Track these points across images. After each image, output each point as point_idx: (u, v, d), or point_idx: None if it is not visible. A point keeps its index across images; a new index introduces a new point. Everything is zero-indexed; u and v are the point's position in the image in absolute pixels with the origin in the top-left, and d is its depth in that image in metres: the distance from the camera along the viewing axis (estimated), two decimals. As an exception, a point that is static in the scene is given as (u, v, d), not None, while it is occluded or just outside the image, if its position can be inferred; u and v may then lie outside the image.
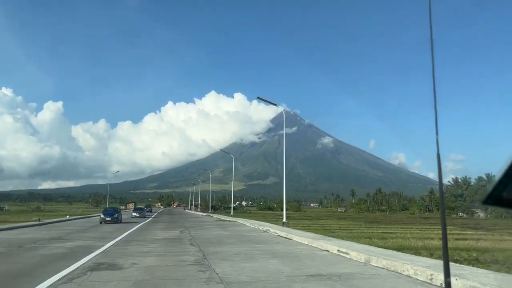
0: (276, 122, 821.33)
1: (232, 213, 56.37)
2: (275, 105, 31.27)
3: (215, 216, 55.12)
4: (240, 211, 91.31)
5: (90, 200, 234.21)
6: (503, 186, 1.21)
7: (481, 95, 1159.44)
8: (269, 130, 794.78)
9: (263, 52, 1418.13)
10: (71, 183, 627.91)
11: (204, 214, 66.77)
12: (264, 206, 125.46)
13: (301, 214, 78.92)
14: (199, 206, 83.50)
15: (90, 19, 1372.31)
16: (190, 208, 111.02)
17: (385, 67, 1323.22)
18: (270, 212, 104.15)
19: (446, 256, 3.34)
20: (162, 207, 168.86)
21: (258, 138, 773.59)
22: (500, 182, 1.22)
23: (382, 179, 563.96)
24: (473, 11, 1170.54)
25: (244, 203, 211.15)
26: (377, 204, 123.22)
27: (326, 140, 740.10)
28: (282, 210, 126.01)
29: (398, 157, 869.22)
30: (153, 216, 54.67)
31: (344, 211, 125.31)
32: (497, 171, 1.21)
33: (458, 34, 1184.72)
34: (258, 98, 32.14)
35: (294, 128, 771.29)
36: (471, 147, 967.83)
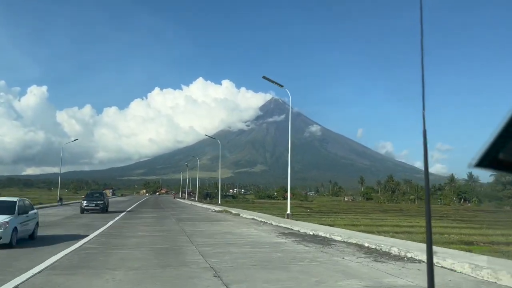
0: (265, 110, 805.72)
1: (290, 212, 24.69)
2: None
3: (244, 215, 27.95)
4: (241, 200, 75.57)
5: (71, 186, 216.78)
6: (501, 145, 1.03)
7: (470, 82, 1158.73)
8: (258, 118, 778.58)
9: (251, 38, 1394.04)
10: (55, 169, 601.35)
11: (217, 208, 37.07)
12: (263, 194, 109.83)
13: (319, 206, 63.32)
14: (196, 194, 64.18)
15: (77, 3, 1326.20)
16: (181, 196, 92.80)
17: (374, 54, 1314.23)
18: (273, 201, 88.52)
19: (430, 243, 3.35)
20: (147, 194, 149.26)
21: (246, 125, 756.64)
22: (497, 141, 1.04)
23: (369, 168, 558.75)
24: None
25: (235, 190, 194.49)
26: (387, 192, 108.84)
27: (314, 128, 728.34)
28: (285, 198, 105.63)
29: (385, 146, 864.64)
30: (109, 225, 20.28)
31: (352, 200, 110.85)
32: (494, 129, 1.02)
33: (447, 22, 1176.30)
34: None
35: (282, 116, 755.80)
36: (458, 136, 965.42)
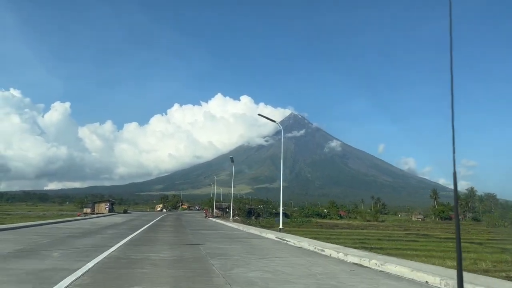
0: (284, 125, 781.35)
1: None
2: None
3: None
4: (299, 221, 51.05)
5: (87, 200, 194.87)
6: None
7: (498, 99, 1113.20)
8: (277, 133, 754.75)
9: (270, 54, 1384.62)
10: (77, 184, 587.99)
11: None
12: (310, 212, 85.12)
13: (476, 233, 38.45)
14: (251, 212, 38.69)
15: (99, 22, 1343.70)
16: (213, 214, 63.07)
17: (398, 68, 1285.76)
18: (338, 221, 63.95)
19: (460, 266, 3.54)
20: (165, 210, 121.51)
21: (265, 141, 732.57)
22: None
23: (391, 184, 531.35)
24: (497, 11, 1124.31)
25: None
26: (468, 209, 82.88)
27: (334, 144, 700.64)
28: (342, 217, 71.28)
29: (407, 162, 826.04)
30: None
31: (422, 219, 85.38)
32: None
33: (478, 35, 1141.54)
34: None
35: (302, 131, 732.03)
36: (484, 153, 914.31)
